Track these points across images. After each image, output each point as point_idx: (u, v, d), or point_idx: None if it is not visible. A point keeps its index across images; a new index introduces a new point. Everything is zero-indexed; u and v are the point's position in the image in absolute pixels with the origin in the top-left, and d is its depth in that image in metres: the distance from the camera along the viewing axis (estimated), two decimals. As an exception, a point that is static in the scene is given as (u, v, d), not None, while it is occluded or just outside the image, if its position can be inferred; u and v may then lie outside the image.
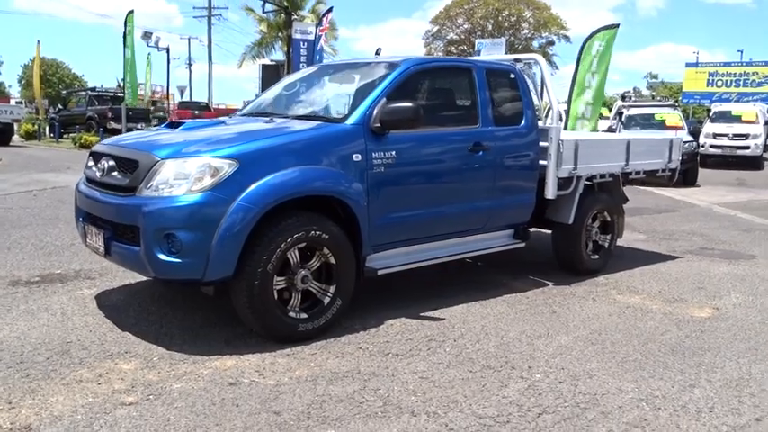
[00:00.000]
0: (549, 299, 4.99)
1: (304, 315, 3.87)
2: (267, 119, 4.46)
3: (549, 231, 5.85)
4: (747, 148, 18.60)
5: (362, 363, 3.57)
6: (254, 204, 3.55)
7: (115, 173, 3.88)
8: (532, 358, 3.72)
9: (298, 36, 18.06)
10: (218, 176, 3.53)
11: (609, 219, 5.94)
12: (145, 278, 5.09)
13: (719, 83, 32.83)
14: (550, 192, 5.26)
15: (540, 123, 5.36)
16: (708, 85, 33.00)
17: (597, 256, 5.86)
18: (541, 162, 5.25)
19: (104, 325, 4.05)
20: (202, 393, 3.12)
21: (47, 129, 27.36)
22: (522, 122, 5.13)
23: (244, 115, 5.03)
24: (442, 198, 4.59)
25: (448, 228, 4.70)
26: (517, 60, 5.59)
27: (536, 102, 5.61)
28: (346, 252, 3.99)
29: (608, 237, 5.96)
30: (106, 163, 3.96)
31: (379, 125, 4.11)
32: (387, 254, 4.41)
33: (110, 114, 24.21)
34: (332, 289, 3.97)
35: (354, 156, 4.02)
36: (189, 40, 50.43)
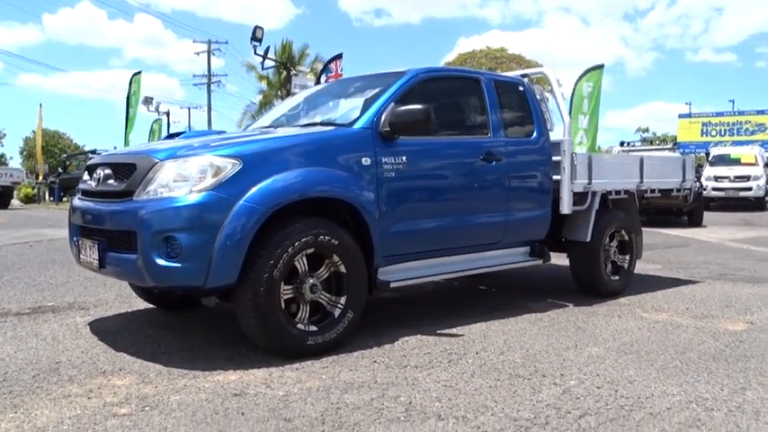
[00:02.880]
0: (571, 317, 4.70)
1: (313, 328, 3.58)
2: (272, 129, 4.30)
3: (566, 254, 5.59)
4: (750, 189, 18.51)
5: (379, 374, 3.26)
6: (259, 205, 3.32)
7: (111, 180, 3.67)
8: (563, 367, 3.41)
9: (296, 91, 18.26)
10: (221, 176, 3.32)
11: (627, 238, 5.70)
12: (142, 306, 4.83)
13: (713, 132, 33.16)
14: (566, 206, 5.04)
15: (552, 136, 5.19)
16: (702, 135, 33.32)
17: (617, 277, 5.58)
18: (555, 177, 5.06)
19: (97, 347, 3.75)
20: (204, 404, 2.80)
21: (46, 192, 27.34)
22: (534, 135, 4.97)
23: (247, 129, 4.88)
24: (455, 208, 4.37)
25: (462, 240, 4.46)
26: (525, 75, 5.49)
27: (546, 116, 5.48)
28: (357, 260, 3.73)
29: (627, 257, 5.70)
30: (102, 172, 3.75)
31: (388, 129, 3.94)
32: (399, 267, 4.15)
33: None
34: (342, 300, 3.69)
35: (364, 159, 3.83)
36: (189, 109, 51.40)
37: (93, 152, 29.20)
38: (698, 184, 14.71)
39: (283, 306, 3.46)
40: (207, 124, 43.17)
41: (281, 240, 3.39)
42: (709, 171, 19.27)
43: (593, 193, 5.29)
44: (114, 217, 3.49)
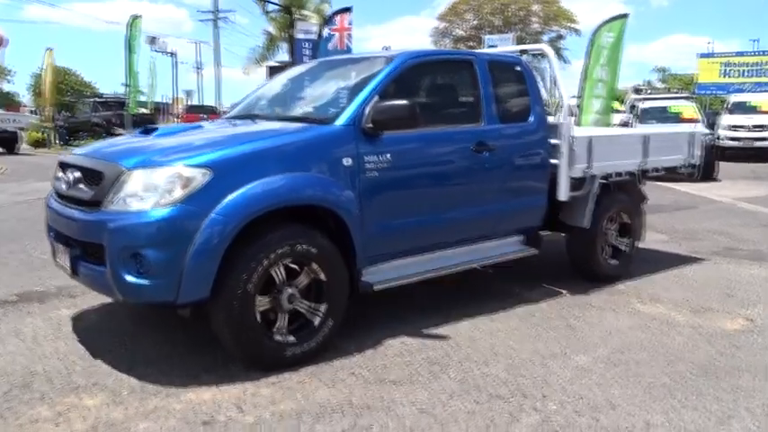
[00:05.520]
0: (564, 310, 4.58)
1: (291, 338, 3.49)
2: (250, 121, 4.09)
3: (564, 234, 5.43)
4: (766, 139, 17.98)
5: (355, 392, 3.18)
6: (230, 217, 3.17)
7: (81, 185, 3.52)
8: (546, 384, 3.31)
9: (300, 36, 17.71)
10: (190, 187, 3.16)
11: (628, 220, 5.51)
12: (127, 296, 4.76)
13: (734, 73, 31.99)
14: (563, 193, 4.84)
15: (551, 119, 4.94)
16: (722, 76, 32.16)
17: (616, 261, 5.43)
18: (552, 161, 4.83)
19: (76, 352, 3.69)
20: (171, 435, 2.75)
21: (56, 136, 27.22)
22: (530, 119, 4.72)
23: (229, 118, 4.67)
24: (443, 203, 4.19)
25: (451, 235, 4.31)
26: (523, 52, 5.18)
27: (545, 96, 5.20)
28: (338, 267, 3.60)
29: (627, 240, 5.53)
30: (71, 175, 3.60)
31: (371, 125, 3.73)
32: (385, 266, 4.02)
33: (114, 120, 24.04)
34: (322, 308, 3.59)
35: (345, 160, 3.64)
36: (197, 44, 50.30)
37: (98, 96, 28.96)
38: (712, 136, 14.30)
39: (259, 319, 3.36)
40: (214, 64, 42.49)
41: (255, 253, 3.26)
42: (726, 120, 18.70)
43: (593, 177, 5.07)
44: (83, 227, 3.36)
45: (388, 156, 3.82)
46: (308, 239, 3.45)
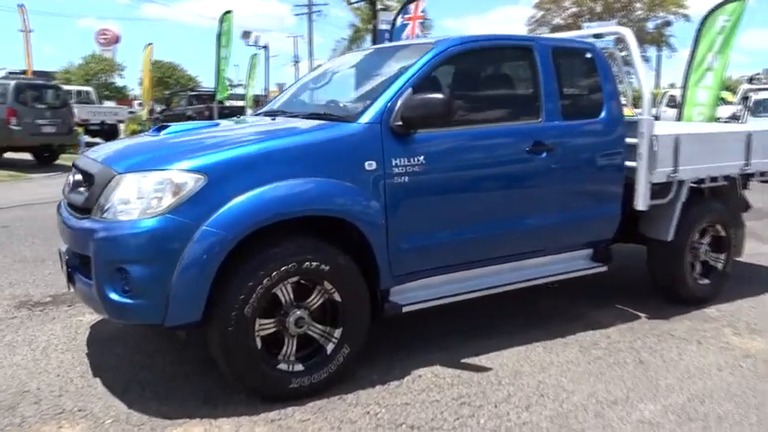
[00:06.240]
0: (637, 340, 3.88)
1: (299, 367, 3.05)
2: (270, 118, 3.69)
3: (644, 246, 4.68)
4: None
5: (363, 440, 2.71)
6: (224, 230, 2.77)
7: (80, 188, 3.23)
8: (598, 443, 2.69)
9: (383, 27, 17.27)
10: (181, 194, 2.77)
11: (723, 233, 4.67)
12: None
13: None
14: (641, 201, 4.11)
15: (629, 114, 4.20)
16: None
17: (707, 281, 4.62)
18: (629, 163, 4.11)
19: (78, 367, 3.43)
20: (136, 484, 2.39)
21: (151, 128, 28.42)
22: (602, 114, 4.02)
23: (257, 114, 4.30)
24: (489, 213, 3.60)
25: (498, 250, 3.71)
26: (598, 36, 4.46)
27: (623, 88, 4.48)
28: (356, 286, 3.13)
29: (722, 256, 4.69)
30: (72, 177, 3.34)
31: (400, 124, 3.21)
32: (418, 284, 3.49)
33: (207, 113, 24.68)
34: (337, 333, 3.13)
35: (367, 163, 3.14)
36: (294, 38, 51.39)
37: (193, 89, 29.94)
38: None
39: (259, 345, 2.94)
40: (308, 56, 43.12)
41: (253, 271, 2.84)
42: None
43: (680, 183, 4.30)
44: (73, 235, 3.07)
45: (422, 158, 3.29)
46: (318, 255, 2.99)
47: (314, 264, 2.97)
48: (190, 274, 2.73)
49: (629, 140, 4.10)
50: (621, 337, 3.93)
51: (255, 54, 35.21)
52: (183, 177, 2.80)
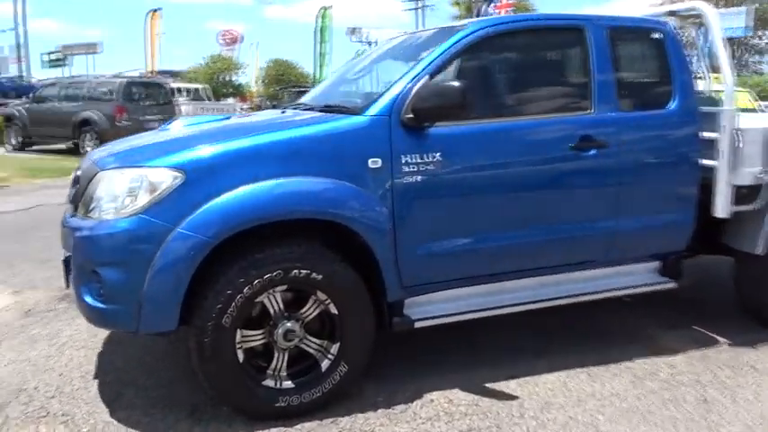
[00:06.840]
0: (707, 371, 3.26)
1: (288, 384, 2.77)
2: (279, 112, 3.42)
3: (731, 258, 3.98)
4: None
5: (341, 477, 2.37)
6: (200, 233, 2.53)
7: (76, 186, 3.13)
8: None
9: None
10: (156, 194, 2.56)
11: (831, 246, 3.87)
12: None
13: None
14: (720, 207, 3.46)
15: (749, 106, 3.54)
16: None
17: (808, 303, 3.85)
18: (705, 162, 3.47)
19: (83, 367, 3.34)
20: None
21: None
22: (672, 104, 3.42)
23: (281, 107, 4.06)
24: (520, 219, 3.14)
25: (534, 260, 3.24)
26: (671, 14, 3.81)
27: (702, 73, 3.80)
28: (355, 298, 2.79)
29: (828, 274, 3.89)
30: (74, 173, 3.24)
31: (411, 116, 2.83)
32: (441, 296, 3.10)
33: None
34: (333, 349, 2.81)
35: (371, 161, 2.79)
36: (403, 34, 51.71)
37: (299, 86, 30.63)
38: None
39: (241, 358, 2.68)
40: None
41: (233, 278, 2.59)
42: None
43: (772, 186, 3.59)
44: (63, 234, 2.95)
45: (438, 155, 2.89)
46: (308, 262, 2.68)
47: (303, 272, 2.66)
48: (161, 280, 2.52)
49: (705, 135, 3.47)
50: (688, 368, 3.32)
51: (361, 51, 35.60)
52: (160, 175, 2.58)
